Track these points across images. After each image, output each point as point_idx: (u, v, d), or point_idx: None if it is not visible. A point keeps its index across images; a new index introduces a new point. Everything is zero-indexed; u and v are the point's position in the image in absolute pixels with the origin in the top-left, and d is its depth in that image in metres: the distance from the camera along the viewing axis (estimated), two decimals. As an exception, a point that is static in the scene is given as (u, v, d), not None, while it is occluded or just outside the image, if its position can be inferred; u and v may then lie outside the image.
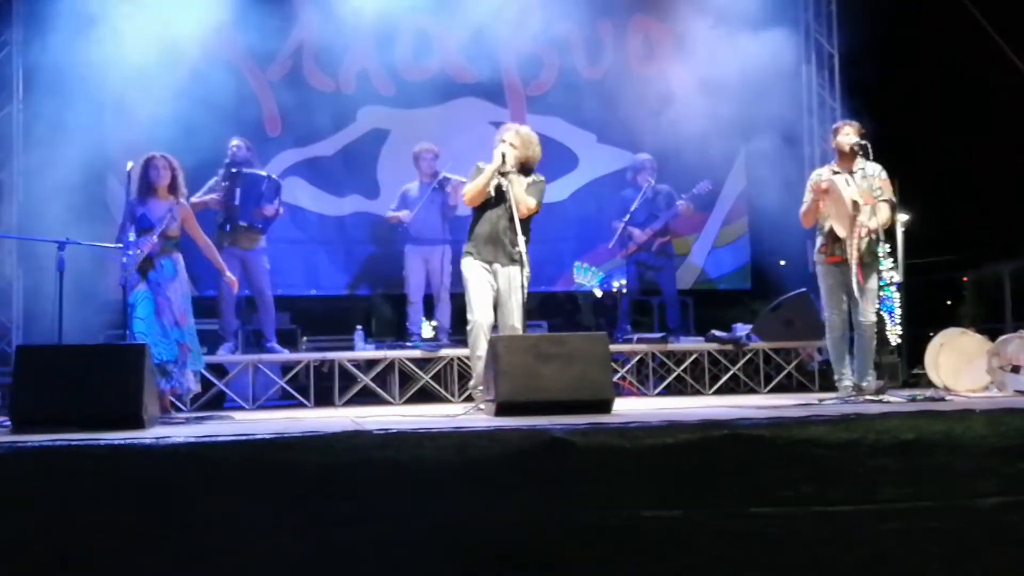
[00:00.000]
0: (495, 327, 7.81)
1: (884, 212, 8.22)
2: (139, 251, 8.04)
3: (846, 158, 8.34)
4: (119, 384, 6.29)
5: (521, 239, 7.54)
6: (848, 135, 8.32)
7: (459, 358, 10.27)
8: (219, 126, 10.46)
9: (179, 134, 9.81)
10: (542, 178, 8.08)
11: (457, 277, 10.31)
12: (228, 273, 8.75)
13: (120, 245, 8.19)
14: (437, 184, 10.64)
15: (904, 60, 12.03)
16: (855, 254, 8.07)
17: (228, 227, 10.07)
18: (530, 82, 12.56)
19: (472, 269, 7.88)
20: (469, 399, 8.69)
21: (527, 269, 7.57)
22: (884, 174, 8.34)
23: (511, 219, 7.64)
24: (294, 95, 11.86)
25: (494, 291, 7.84)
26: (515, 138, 7.96)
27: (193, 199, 10.06)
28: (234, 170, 10.17)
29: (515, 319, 7.76)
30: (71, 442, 4.62)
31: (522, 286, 7.61)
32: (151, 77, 10.61)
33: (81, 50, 10.25)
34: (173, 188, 8.31)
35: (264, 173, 10.41)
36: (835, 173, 8.33)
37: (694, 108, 11.65)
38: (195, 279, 11.24)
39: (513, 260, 7.70)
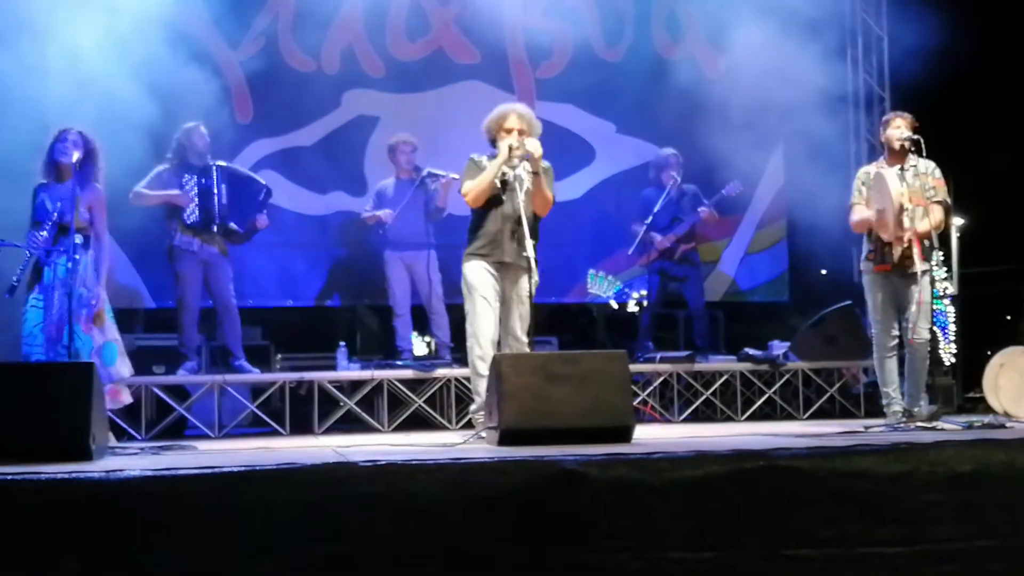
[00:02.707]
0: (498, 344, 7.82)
1: (937, 214, 8.27)
2: (33, 248, 7.77)
3: (896, 154, 8.39)
4: (62, 409, 6.05)
5: (530, 241, 7.53)
6: (899, 128, 8.37)
7: (457, 379, 10.25)
8: (179, 111, 10.29)
9: (132, 120, 9.64)
10: (548, 164, 8.04)
11: (448, 285, 10.33)
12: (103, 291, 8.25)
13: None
14: (420, 181, 10.66)
15: (961, 44, 12.03)
16: (895, 259, 8.17)
17: (214, 227, 10.04)
18: (540, 63, 12.55)
19: (476, 275, 7.83)
20: (469, 426, 8.69)
21: (536, 275, 7.55)
22: (938, 172, 8.40)
23: (520, 217, 7.60)
24: (268, 76, 11.75)
25: (499, 300, 7.86)
26: (520, 123, 7.92)
27: (141, 189, 9.89)
28: (212, 163, 10.13)
29: (520, 331, 7.80)
30: (5, 476, 4.58)
31: (530, 295, 7.65)
32: (101, 54, 10.48)
33: (20, 20, 10.15)
34: (84, 170, 7.96)
35: (263, 181, 10.46)
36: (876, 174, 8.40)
37: (726, 96, 11.67)
38: (153, 286, 11.22)
39: (522, 264, 7.71)
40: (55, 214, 7.87)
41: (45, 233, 7.86)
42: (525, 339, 7.76)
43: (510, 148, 7.74)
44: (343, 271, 12.03)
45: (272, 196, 10.55)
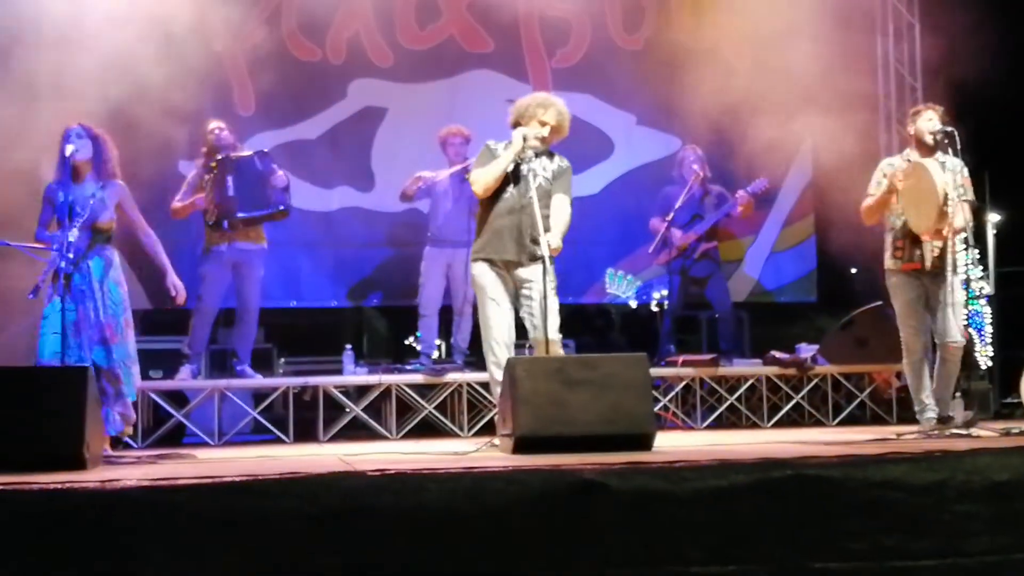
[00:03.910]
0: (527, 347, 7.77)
1: (966, 213, 8.24)
2: (62, 249, 7.50)
3: (926, 148, 8.33)
4: (55, 415, 6.06)
5: (544, 238, 7.44)
6: (931, 121, 8.31)
7: (469, 384, 10.27)
8: (180, 104, 10.13)
9: (128, 114, 9.53)
10: (567, 163, 8.00)
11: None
12: (174, 278, 8.29)
13: (41, 245, 7.77)
14: (465, 175, 10.58)
15: (998, 32, 11.97)
16: (930, 258, 8.15)
17: (226, 225, 9.93)
18: (556, 51, 12.56)
19: (484, 276, 7.78)
20: (481, 433, 8.69)
21: (552, 274, 7.50)
22: (966, 171, 8.34)
23: (533, 210, 7.53)
24: (271, 66, 11.63)
25: (513, 300, 7.82)
26: (556, 119, 7.83)
27: (175, 204, 10.00)
28: (219, 157, 10.02)
29: (552, 330, 7.60)
30: (-5, 487, 4.59)
31: (547, 293, 7.58)
32: (95, 45, 10.42)
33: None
34: (99, 165, 7.82)
35: (249, 152, 10.26)
36: (909, 163, 8.36)
37: (752, 87, 11.62)
38: (150, 287, 11.18)
39: (536, 260, 7.65)
40: (87, 213, 7.65)
41: (79, 231, 7.61)
42: (557, 337, 7.69)
43: (524, 138, 7.69)
44: (350, 270, 12.04)
45: (271, 156, 10.32)
